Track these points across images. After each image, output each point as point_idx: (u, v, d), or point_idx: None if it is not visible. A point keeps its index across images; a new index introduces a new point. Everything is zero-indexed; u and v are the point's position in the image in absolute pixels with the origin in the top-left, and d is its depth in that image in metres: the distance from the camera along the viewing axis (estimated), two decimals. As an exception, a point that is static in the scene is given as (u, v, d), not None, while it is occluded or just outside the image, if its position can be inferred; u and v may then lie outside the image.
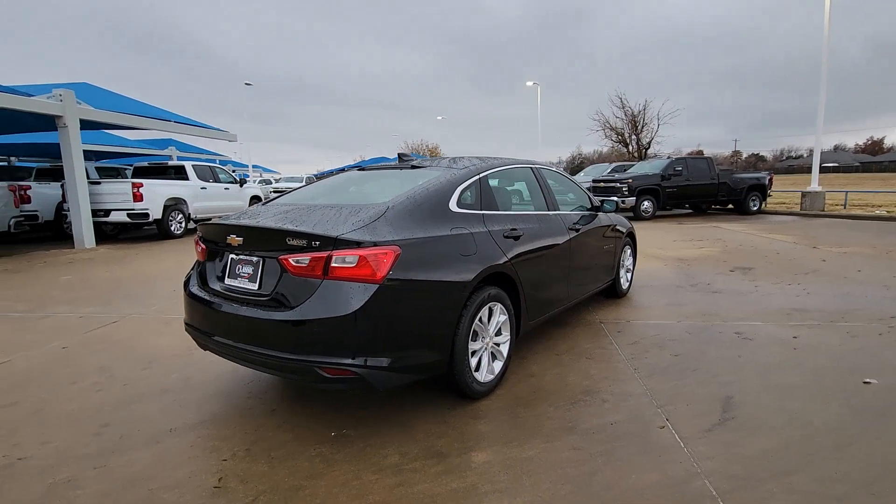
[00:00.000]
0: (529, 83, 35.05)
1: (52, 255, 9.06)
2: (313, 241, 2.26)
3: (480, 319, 2.80)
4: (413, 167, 3.39)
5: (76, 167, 9.96)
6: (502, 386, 3.04)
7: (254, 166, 46.96)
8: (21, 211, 10.61)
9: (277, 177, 36.32)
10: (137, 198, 10.62)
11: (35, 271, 7.46)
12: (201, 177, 12.61)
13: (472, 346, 2.74)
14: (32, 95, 9.42)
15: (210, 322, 2.58)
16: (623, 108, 35.12)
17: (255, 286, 2.47)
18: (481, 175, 3.18)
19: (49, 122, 10.33)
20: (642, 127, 34.95)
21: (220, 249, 2.72)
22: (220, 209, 13.17)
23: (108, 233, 11.90)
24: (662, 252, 8.05)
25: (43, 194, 11.92)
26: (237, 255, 2.61)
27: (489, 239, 2.89)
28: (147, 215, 10.80)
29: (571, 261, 3.85)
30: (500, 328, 3.01)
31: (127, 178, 13.41)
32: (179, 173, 12.27)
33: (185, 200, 11.86)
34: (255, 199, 14.82)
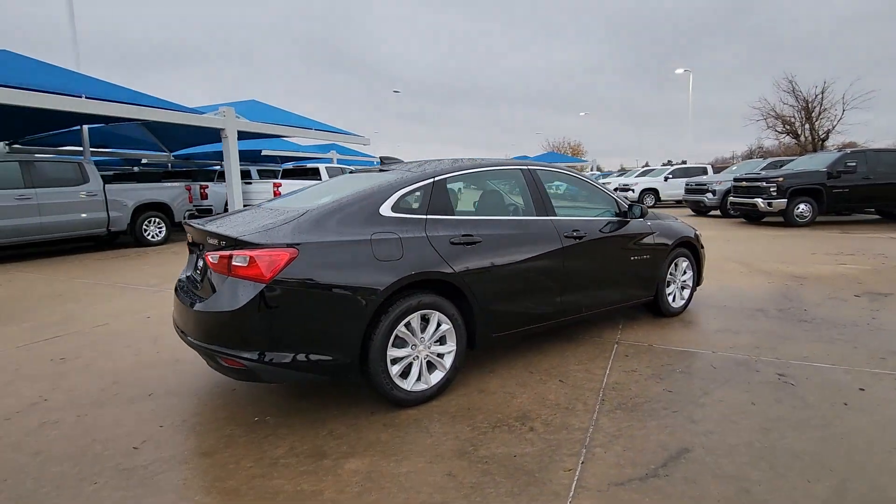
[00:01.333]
0: (679, 70, 31.38)
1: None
2: (222, 241, 2.51)
3: (409, 326, 2.76)
4: (380, 171, 3.45)
5: (233, 170, 12.05)
6: (443, 397, 2.94)
7: (405, 165, 50.41)
8: (195, 206, 13.21)
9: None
10: (276, 195, 12.40)
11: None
12: (333, 176, 14.16)
13: (395, 352, 2.71)
14: (205, 113, 11.68)
15: (175, 312, 3.00)
16: (793, 92, 29.18)
17: (198, 281, 2.83)
18: (436, 179, 3.10)
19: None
20: (820, 114, 28.65)
21: (193, 248, 3.15)
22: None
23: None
24: (780, 267, 6.66)
25: (217, 192, 14.68)
26: (196, 253, 3.01)
27: (426, 244, 2.82)
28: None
29: (568, 271, 3.50)
30: (443, 337, 2.92)
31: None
32: (315, 174, 13.98)
33: (315, 198, 13.50)
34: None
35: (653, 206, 18.74)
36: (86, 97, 9.34)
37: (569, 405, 2.82)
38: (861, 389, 2.94)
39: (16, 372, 3.51)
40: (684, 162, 29.74)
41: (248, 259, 2.38)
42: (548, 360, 3.49)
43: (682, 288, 4.61)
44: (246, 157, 26.23)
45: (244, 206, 12.46)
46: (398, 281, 2.65)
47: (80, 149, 19.53)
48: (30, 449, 2.47)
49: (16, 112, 11.13)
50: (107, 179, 17.60)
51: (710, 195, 14.09)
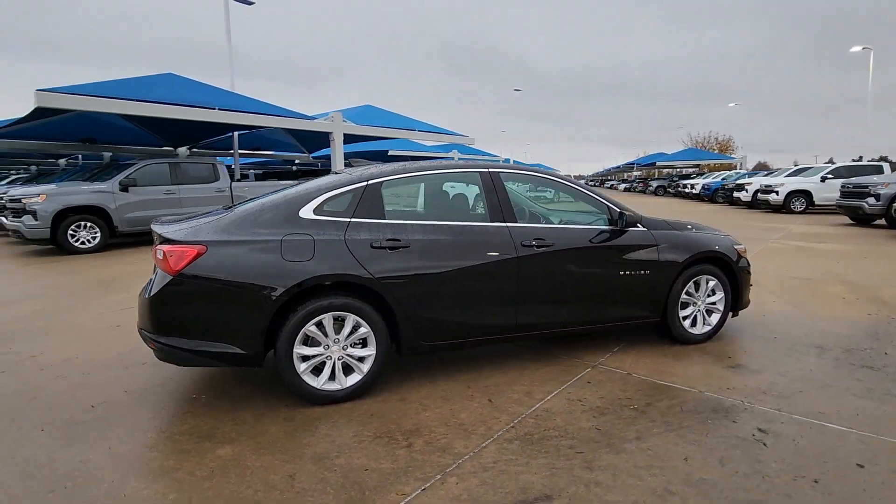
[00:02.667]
0: (856, 48, 25.50)
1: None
2: (157, 236, 2.85)
3: (321, 326, 2.83)
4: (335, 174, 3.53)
5: (338, 169, 13.22)
6: (360, 399, 2.95)
7: (531, 165, 50.00)
8: None
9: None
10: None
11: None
12: (430, 176, 14.68)
13: (304, 350, 2.80)
14: (315, 119, 13.02)
15: None
16: None
17: None
18: (369, 182, 3.10)
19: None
20: None
21: None
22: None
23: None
24: (872, 292, 5.18)
25: None
26: None
27: (342, 247, 2.85)
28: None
29: (526, 282, 3.22)
30: (363, 341, 2.94)
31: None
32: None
33: (411, 196, 14.12)
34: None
35: (802, 212, 15.77)
36: (218, 109, 11.07)
37: (471, 427, 2.62)
38: (860, 466, 2.22)
39: (80, 333, 4.39)
40: (860, 158, 24.38)
41: (163, 253, 2.69)
42: (497, 377, 3.27)
43: (709, 312, 3.90)
44: (374, 157, 28.51)
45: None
46: (303, 282, 2.74)
47: (251, 151, 23.01)
48: (32, 394, 3.10)
49: (185, 123, 13.68)
50: (258, 178, 20.50)
51: (871, 200, 11.42)
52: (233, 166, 17.89)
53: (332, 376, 2.90)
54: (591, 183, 75.45)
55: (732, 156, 37.88)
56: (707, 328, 3.87)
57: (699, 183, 25.28)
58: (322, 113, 14.30)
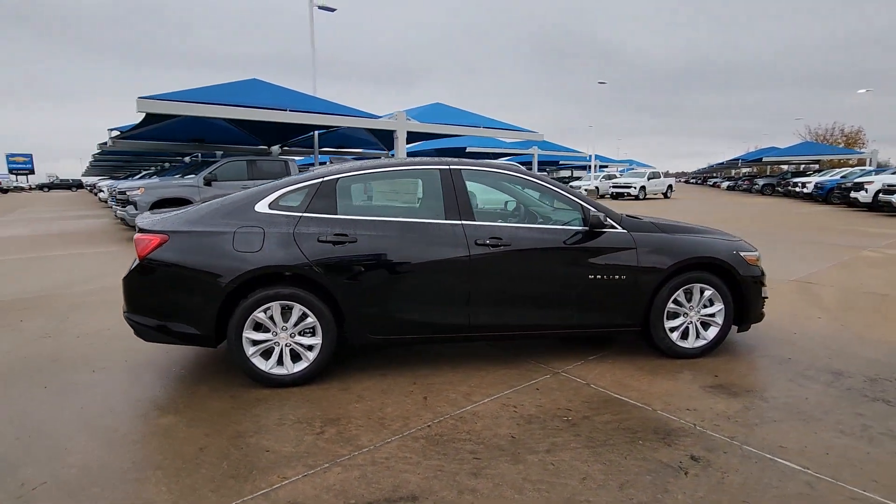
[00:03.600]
0: None
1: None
2: (136, 226, 3.21)
3: (269, 314, 3.01)
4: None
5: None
6: (307, 385, 3.09)
7: (615, 160, 47.65)
8: None
9: (619, 171, 35.63)
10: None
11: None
12: (493, 173, 14.59)
13: (253, 335, 3.00)
14: (380, 118, 13.54)
15: None
16: None
17: None
18: (324, 179, 3.21)
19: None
20: None
21: None
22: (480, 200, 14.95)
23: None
24: None
25: None
26: None
27: (289, 240, 3.01)
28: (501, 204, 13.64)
29: (480, 282, 3.16)
30: (312, 329, 3.07)
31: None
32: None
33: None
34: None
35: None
36: (289, 110, 11.96)
37: (389, 422, 2.65)
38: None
39: (124, 309, 5.05)
40: None
41: (134, 241, 3.03)
42: (449, 376, 3.24)
43: (705, 325, 3.51)
44: (452, 153, 28.92)
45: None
46: (250, 271, 2.94)
47: (337, 149, 24.48)
48: (57, 356, 3.66)
49: (268, 124, 14.97)
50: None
51: None
52: (314, 164, 19.17)
53: (281, 362, 3.08)
54: (692, 181, 69.93)
55: (861, 150, 32.65)
56: (702, 342, 3.49)
57: (812, 181, 22.30)
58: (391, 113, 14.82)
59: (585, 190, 28.76)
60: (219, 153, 22.94)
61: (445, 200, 3.28)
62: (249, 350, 3.02)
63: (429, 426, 2.60)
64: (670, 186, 28.98)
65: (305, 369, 3.09)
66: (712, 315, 3.49)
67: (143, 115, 12.90)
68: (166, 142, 20.00)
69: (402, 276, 3.11)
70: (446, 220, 3.23)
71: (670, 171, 32.57)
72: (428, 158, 3.49)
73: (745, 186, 35.11)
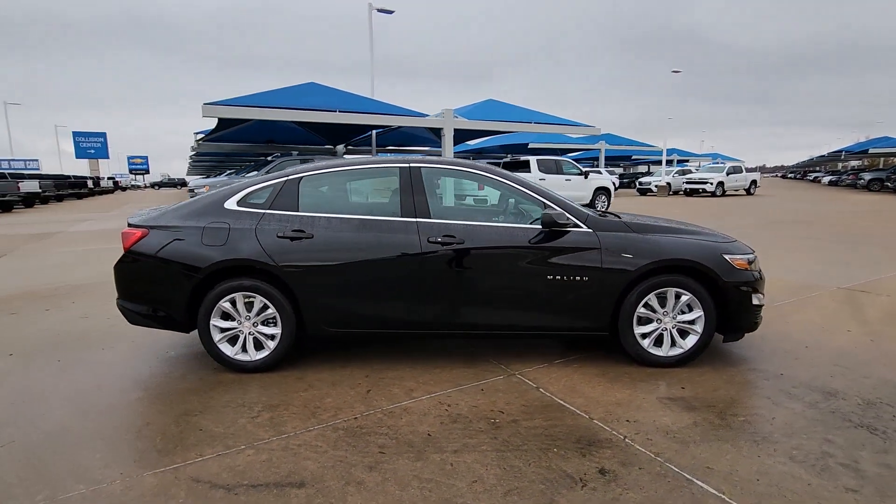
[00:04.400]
0: None
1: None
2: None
3: (234, 304, 3.23)
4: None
5: (446, 164, 13.76)
6: (270, 372, 3.27)
7: (704, 154, 44.40)
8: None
9: (697, 166, 33.05)
10: (480, 187, 13.46)
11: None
12: (543, 170, 14.26)
13: (220, 323, 3.23)
14: (427, 116, 13.72)
15: None
16: None
17: None
18: (289, 178, 3.36)
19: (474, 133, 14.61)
20: None
21: None
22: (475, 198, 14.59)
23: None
24: None
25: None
26: None
27: (251, 236, 3.20)
28: (486, 200, 13.54)
29: (432, 279, 3.17)
30: (273, 320, 3.25)
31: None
32: (525, 167, 14.38)
33: (520, 190, 13.93)
34: (600, 191, 15.18)
35: None
36: (339, 111, 12.48)
37: (321, 412, 2.74)
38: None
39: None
40: None
41: (121, 234, 3.38)
42: (403, 371, 3.27)
43: (683, 333, 3.25)
44: (514, 150, 28.63)
45: (462, 196, 14.00)
46: (214, 264, 3.17)
47: (399, 147, 25.15)
48: (83, 335, 4.15)
49: (331, 126, 15.73)
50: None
51: None
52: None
53: (245, 349, 3.29)
54: (789, 176, 63.57)
55: None
56: (678, 351, 3.24)
57: (926, 176, 19.42)
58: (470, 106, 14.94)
59: (655, 186, 27.16)
60: (294, 153, 24.44)
61: (402, 198, 3.31)
62: (217, 336, 3.26)
63: (355, 418, 2.67)
64: (754, 182, 26.56)
65: (267, 357, 3.28)
66: (691, 322, 3.22)
67: (216, 119, 14.12)
68: (242, 143, 21.65)
69: (356, 272, 3.20)
70: (402, 217, 3.26)
71: (766, 165, 29.74)
72: (392, 157, 3.53)
73: (849, 181, 31.35)
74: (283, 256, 3.18)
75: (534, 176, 14.04)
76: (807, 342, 3.68)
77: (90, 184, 37.77)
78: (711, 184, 24.40)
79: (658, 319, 3.23)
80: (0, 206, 20.59)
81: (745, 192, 26.55)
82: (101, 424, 2.65)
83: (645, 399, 2.82)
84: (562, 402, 2.81)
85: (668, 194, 26.72)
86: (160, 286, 3.28)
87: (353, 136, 20.23)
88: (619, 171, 45.90)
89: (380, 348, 3.69)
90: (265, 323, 3.28)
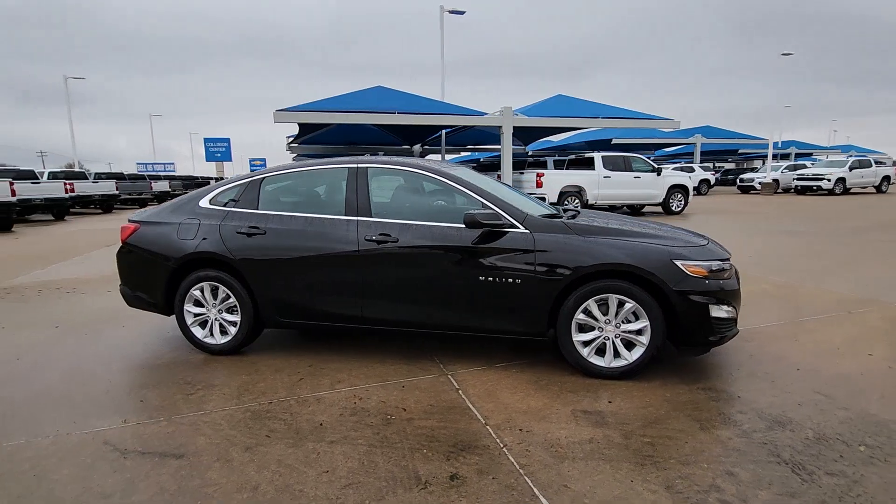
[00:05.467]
0: None
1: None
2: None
3: (203, 292, 3.59)
4: None
5: (505, 161, 13.60)
6: (234, 355, 3.59)
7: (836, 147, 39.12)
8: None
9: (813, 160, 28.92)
10: (538, 185, 13.15)
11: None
12: (609, 167, 13.51)
13: (193, 308, 3.61)
14: (485, 115, 13.69)
15: None
16: None
17: None
18: (253, 178, 3.63)
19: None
20: None
21: None
22: (625, 196, 13.70)
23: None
24: None
25: (552, 180, 15.52)
26: None
27: (216, 231, 3.51)
28: (544, 199, 13.17)
29: (369, 277, 3.26)
30: (234, 308, 3.56)
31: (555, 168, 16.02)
32: (589, 164, 13.73)
33: (582, 188, 13.32)
34: (676, 189, 14.06)
35: None
36: (398, 112, 12.92)
37: (245, 395, 2.96)
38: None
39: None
40: None
41: (120, 228, 3.89)
42: (345, 364, 3.40)
43: (630, 344, 2.99)
44: (597, 146, 27.57)
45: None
46: (184, 256, 3.54)
47: (476, 146, 25.33)
48: (115, 315, 4.84)
49: (403, 127, 16.35)
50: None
51: None
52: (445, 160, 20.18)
53: (212, 333, 3.64)
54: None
55: None
56: (622, 363, 3.00)
57: None
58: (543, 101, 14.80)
59: (759, 184, 24.39)
60: (381, 153, 25.64)
61: (347, 197, 3.43)
62: (189, 320, 3.64)
63: (270, 403, 2.85)
64: (887, 178, 22.77)
65: (229, 341, 3.59)
66: (637, 332, 2.96)
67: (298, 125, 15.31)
68: (328, 145, 23.19)
69: (302, 267, 3.38)
70: (344, 215, 3.38)
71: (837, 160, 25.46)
72: (343, 158, 3.65)
73: None
74: (240, 251, 3.46)
75: (597, 173, 13.36)
76: (802, 364, 3.19)
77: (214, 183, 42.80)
78: (829, 180, 21.33)
79: (600, 328, 3.02)
80: (137, 202, 24.28)
81: (874, 190, 22.88)
82: (74, 388, 3.11)
83: (558, 410, 2.67)
84: (471, 405, 2.76)
85: (775, 192, 23.84)
86: (146, 274, 3.74)
87: (426, 136, 20.77)
88: (725, 166, 41.90)
89: (340, 341, 3.86)
90: (228, 311, 3.59)
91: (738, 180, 26.50)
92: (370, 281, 3.28)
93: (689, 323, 2.90)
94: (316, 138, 21.54)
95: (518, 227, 3.10)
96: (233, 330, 3.58)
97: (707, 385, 2.94)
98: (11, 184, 12.62)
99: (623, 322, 2.99)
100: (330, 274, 3.35)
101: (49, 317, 4.72)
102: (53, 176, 17.46)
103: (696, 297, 2.87)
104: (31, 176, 15.61)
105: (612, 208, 15.88)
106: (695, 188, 25.28)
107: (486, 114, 13.73)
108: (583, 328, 3.05)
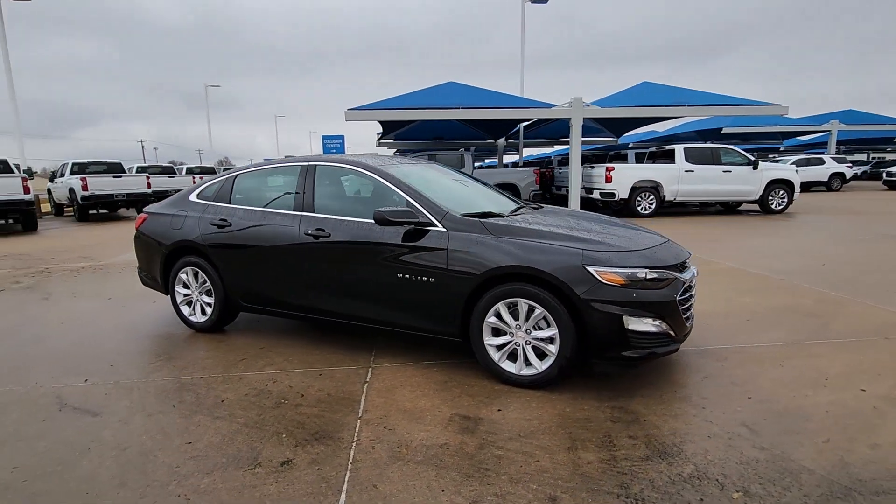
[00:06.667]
0: None
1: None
2: (152, 209, 4.68)
3: (188, 276, 4.05)
4: None
5: (574, 156, 12.98)
6: (218, 332, 4.02)
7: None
8: (593, 187, 14.30)
9: None
10: (608, 179, 12.36)
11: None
12: (692, 159, 12.26)
13: (181, 290, 4.10)
14: (553, 107, 13.15)
15: None
16: None
17: None
18: (231, 175, 3.99)
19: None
20: None
21: None
22: (712, 193, 12.36)
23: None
24: None
25: (623, 174, 13.38)
26: None
27: (196, 222, 3.94)
28: (613, 195, 12.35)
29: (311, 270, 3.44)
30: (210, 291, 3.98)
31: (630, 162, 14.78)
32: (669, 157, 12.57)
33: (659, 183, 12.25)
34: (777, 185, 12.33)
35: None
36: (462, 108, 12.97)
37: (188, 368, 3.31)
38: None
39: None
40: None
41: (136, 218, 4.51)
42: (294, 349, 3.63)
43: (541, 354, 2.81)
44: (707, 135, 25.20)
45: (587, 188, 13.12)
46: (174, 243, 4.02)
47: (566, 139, 24.58)
48: (149, 292, 5.63)
49: (484, 122, 16.35)
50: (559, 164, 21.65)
51: None
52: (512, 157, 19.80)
53: (195, 312, 4.10)
54: None
55: None
56: (532, 371, 2.83)
57: None
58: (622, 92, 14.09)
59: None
60: (472, 148, 26.00)
61: (296, 194, 3.63)
62: (179, 299, 4.14)
63: (201, 378, 3.17)
64: None
65: (207, 320, 4.02)
66: (549, 341, 2.77)
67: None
68: (416, 140, 24.01)
69: (257, 257, 3.66)
70: (292, 210, 3.59)
71: None
72: (303, 157, 3.85)
73: None
74: (210, 241, 3.85)
75: (678, 167, 12.18)
76: (758, 393, 2.74)
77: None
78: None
79: (511, 333, 2.87)
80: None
81: None
82: (76, 350, 3.72)
83: (438, 413, 2.61)
84: (363, 399, 2.81)
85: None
86: (150, 258, 4.31)
87: (508, 130, 20.53)
88: (880, 156, 35.70)
89: (304, 328, 4.11)
90: (206, 293, 4.02)
91: (884, 174, 22.35)
92: (310, 273, 3.46)
93: (600, 334, 2.64)
94: (402, 135, 22.39)
95: (436, 226, 3.06)
96: (208, 311, 4.00)
97: (620, 404, 2.66)
98: (25, 180, 11.83)
99: (533, 329, 2.82)
100: (278, 265, 3.59)
101: (111, 290, 5.62)
102: (142, 170, 18.14)
103: (609, 306, 2.61)
104: (119, 169, 15.33)
105: (702, 206, 14.43)
106: (823, 183, 21.86)
107: (554, 105, 13.20)
108: (497, 332, 2.93)
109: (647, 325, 2.64)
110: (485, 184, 4.30)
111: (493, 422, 2.51)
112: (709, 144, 12.78)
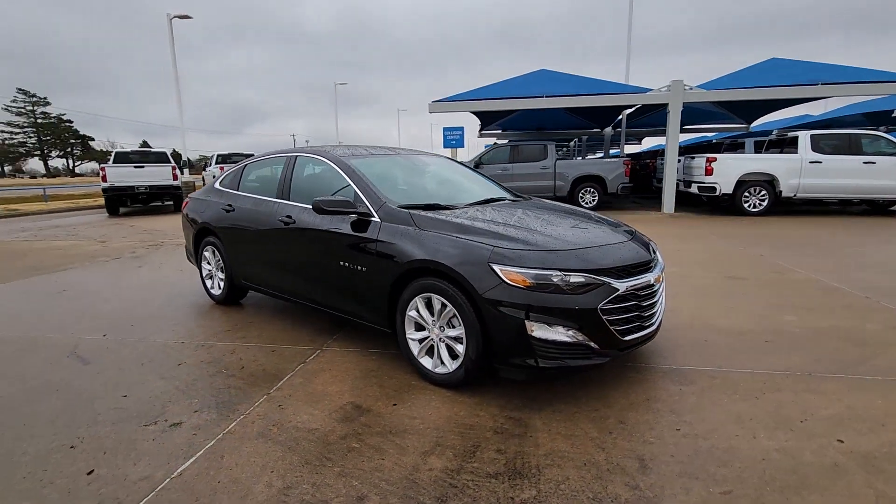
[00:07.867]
0: None
1: (637, 214, 11.71)
2: (202, 194, 5.33)
3: (208, 253, 4.59)
4: None
5: (671, 145, 11.72)
6: (223, 305, 4.52)
7: None
8: (690, 181, 12.83)
9: None
10: (708, 172, 10.94)
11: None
12: (821, 148, 10.32)
13: (205, 266, 4.67)
14: (649, 91, 11.94)
15: None
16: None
17: None
18: (241, 165, 4.38)
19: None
20: None
21: None
22: (845, 188, 10.30)
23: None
24: None
25: (725, 164, 11.60)
26: None
27: (215, 206, 4.42)
28: (714, 189, 10.91)
29: (284, 254, 3.69)
30: (222, 268, 4.47)
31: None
32: (792, 144, 10.72)
33: (774, 177, 10.53)
34: (940, 180, 9.88)
35: None
36: (545, 97, 12.45)
37: (194, 333, 3.77)
38: (90, 470, 2.05)
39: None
40: None
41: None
42: (273, 327, 3.92)
43: (455, 354, 2.70)
44: (877, 118, 21.36)
45: (685, 181, 11.77)
46: (200, 223, 4.57)
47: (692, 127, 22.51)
48: (178, 280, 6.44)
49: (589, 109, 15.65)
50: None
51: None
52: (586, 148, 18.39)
53: (214, 286, 4.64)
54: None
55: None
56: (444, 370, 2.74)
57: None
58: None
59: None
60: (584, 138, 25.04)
61: (280, 182, 3.88)
62: (204, 273, 4.72)
63: (182, 343, 3.59)
64: None
65: (221, 293, 4.53)
66: (459, 340, 2.65)
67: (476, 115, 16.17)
68: (518, 131, 23.66)
69: (249, 240, 4.02)
70: (275, 198, 3.86)
71: None
72: (297, 148, 4.07)
73: None
74: (219, 222, 4.31)
75: (800, 158, 10.33)
76: (695, 430, 2.32)
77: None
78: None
79: (429, 328, 2.79)
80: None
81: None
82: (121, 310, 4.46)
83: (337, 400, 2.66)
84: (287, 377, 2.96)
85: None
86: (188, 237, 4.96)
87: (613, 118, 19.19)
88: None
89: (297, 307, 4.40)
90: (220, 270, 4.52)
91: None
92: (281, 256, 3.71)
93: (500, 339, 2.45)
94: (503, 125, 22.19)
95: (374, 216, 3.08)
96: (223, 285, 4.50)
97: (522, 416, 2.45)
98: (174, 169, 13.60)
99: (446, 326, 2.71)
100: (262, 248, 3.90)
101: (186, 265, 6.56)
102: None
103: (510, 309, 2.41)
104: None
105: (842, 204, 12.18)
106: None
107: (650, 90, 12.00)
108: (420, 327, 2.87)
109: (556, 333, 2.39)
110: (488, 178, 4.29)
111: (377, 415, 2.50)
112: (846, 130, 10.60)
